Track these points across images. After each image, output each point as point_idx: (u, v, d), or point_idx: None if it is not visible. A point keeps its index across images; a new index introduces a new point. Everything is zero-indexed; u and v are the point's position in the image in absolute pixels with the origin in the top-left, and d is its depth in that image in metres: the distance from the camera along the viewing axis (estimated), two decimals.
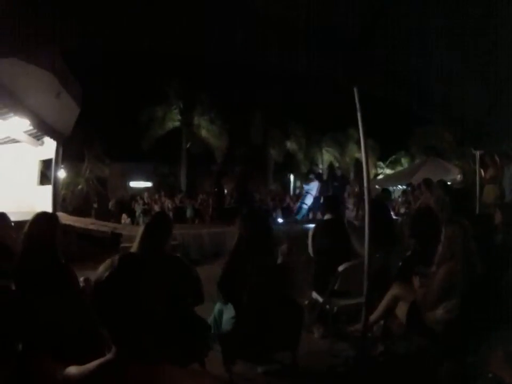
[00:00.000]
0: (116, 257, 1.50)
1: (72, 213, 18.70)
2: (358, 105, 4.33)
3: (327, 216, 6.14)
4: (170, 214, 16.97)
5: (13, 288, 3.81)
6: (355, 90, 4.30)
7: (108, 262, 1.50)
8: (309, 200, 17.40)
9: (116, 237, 12.05)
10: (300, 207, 18.31)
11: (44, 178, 15.52)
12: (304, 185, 18.97)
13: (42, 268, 3.45)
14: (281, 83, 28.20)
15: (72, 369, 1.53)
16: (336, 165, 37.02)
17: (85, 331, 3.32)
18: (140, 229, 3.94)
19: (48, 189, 14.05)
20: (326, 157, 37.47)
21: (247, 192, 17.55)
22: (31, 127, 11.95)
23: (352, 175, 36.01)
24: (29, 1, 3.37)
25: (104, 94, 27.68)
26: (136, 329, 1.43)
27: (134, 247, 3.82)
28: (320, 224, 6.28)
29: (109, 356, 1.48)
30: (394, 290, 4.72)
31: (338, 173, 19.88)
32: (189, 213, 17.55)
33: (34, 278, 3.43)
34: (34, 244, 3.58)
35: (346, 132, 35.81)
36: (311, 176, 18.32)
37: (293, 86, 28.53)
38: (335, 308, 5.17)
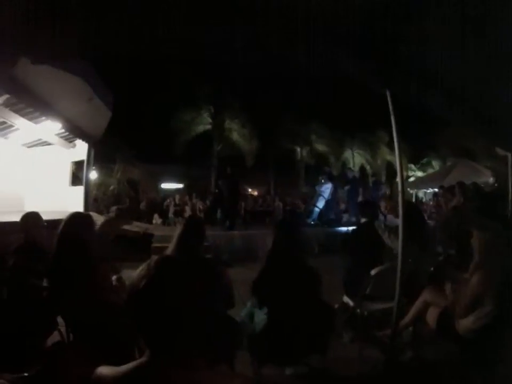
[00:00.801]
0: (152, 262, 1.48)
1: (103, 213, 18.96)
2: (391, 108, 4.28)
3: (362, 220, 6.19)
4: (202, 215, 17.04)
5: (45, 285, 3.90)
6: (387, 93, 4.25)
7: (143, 267, 1.48)
8: (321, 203, 16.18)
9: (147, 237, 12.15)
10: (312, 210, 17.11)
11: (76, 179, 15.76)
12: (316, 187, 17.19)
13: (75, 266, 3.49)
14: (310, 85, 28.15)
15: (104, 370, 1.52)
16: (367, 167, 36.78)
17: (115, 331, 3.36)
18: (176, 232, 3.97)
19: (80, 189, 14.29)
20: (357, 160, 37.22)
21: (237, 194, 16.01)
22: (62, 130, 12.18)
23: (383, 178, 35.77)
24: (58, 14, 3.47)
25: (136, 98, 28.04)
26: (172, 333, 1.41)
27: (169, 250, 3.85)
28: (355, 228, 6.29)
29: (143, 359, 1.47)
30: (425, 296, 4.66)
31: (350, 174, 18.15)
32: (219, 214, 17.48)
33: (67, 277, 3.48)
34: (68, 242, 3.64)
35: (376, 134, 35.56)
36: (323, 177, 16.69)
37: (321, 87, 28.40)
38: (366, 312, 5.13)
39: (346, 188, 16.79)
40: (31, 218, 4.71)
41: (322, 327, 3.96)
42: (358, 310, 5.16)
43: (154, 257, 1.53)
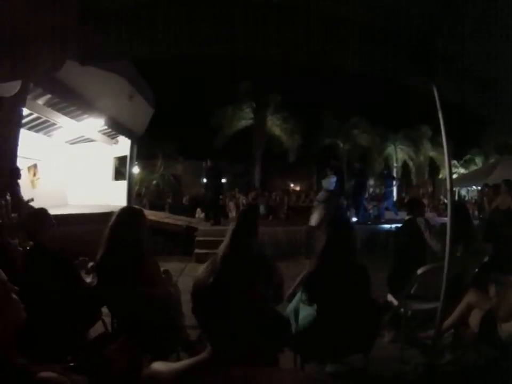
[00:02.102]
0: (218, 259, 1.47)
1: (146, 207, 19.25)
2: (438, 104, 4.21)
3: (407, 217, 6.13)
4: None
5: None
6: (434, 89, 4.18)
7: (208, 263, 1.47)
8: None
9: (190, 231, 12.32)
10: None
11: (118, 174, 16.10)
12: (322, 182, 15.14)
13: (126, 259, 3.56)
14: (353, 81, 27.94)
15: (159, 366, 1.52)
16: (410, 163, 36.23)
17: (165, 324, 3.42)
18: (231, 225, 4.02)
19: (123, 184, 14.61)
20: (400, 156, 36.69)
21: (218, 186, 15.27)
22: (105, 127, 12.46)
23: (426, 175, 35.21)
24: (105, 17, 3.59)
25: (178, 94, 28.38)
26: (236, 330, 1.40)
27: (224, 244, 3.91)
28: (400, 226, 6.25)
29: (203, 356, 1.45)
30: (469, 298, 4.57)
31: (357, 166, 16.54)
32: (262, 209, 17.43)
33: (118, 269, 3.55)
34: (119, 236, 3.69)
35: (419, 129, 34.98)
36: (329, 170, 14.75)
37: (363, 83, 28.13)
38: (409, 312, 5.07)
39: (352, 183, 15.84)
40: (39, 216, 4.07)
41: (371, 325, 3.96)
42: (402, 310, 5.11)
43: (218, 254, 1.53)
